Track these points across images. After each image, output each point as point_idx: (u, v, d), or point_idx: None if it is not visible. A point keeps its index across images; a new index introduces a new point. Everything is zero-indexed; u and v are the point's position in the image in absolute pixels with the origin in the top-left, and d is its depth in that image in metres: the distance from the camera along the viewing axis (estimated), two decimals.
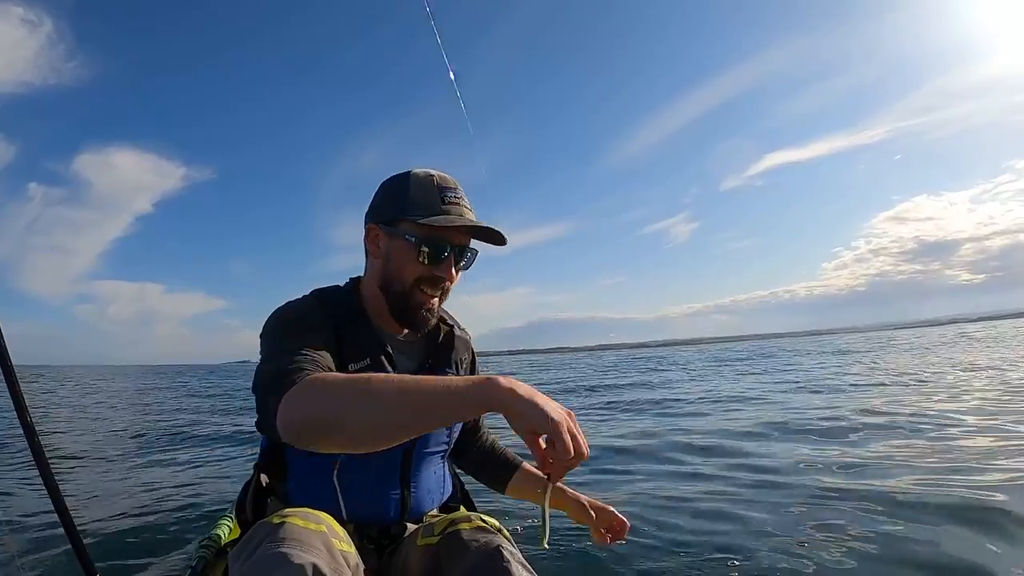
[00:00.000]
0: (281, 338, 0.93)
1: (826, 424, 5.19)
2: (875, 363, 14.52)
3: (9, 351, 1.17)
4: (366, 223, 1.08)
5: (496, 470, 1.37)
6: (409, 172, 1.05)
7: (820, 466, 3.61)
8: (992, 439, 4.08)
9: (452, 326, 1.21)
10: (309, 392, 0.77)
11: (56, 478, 1.24)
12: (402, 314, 1.07)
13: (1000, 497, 2.63)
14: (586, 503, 1.30)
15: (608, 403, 8.71)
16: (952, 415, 5.27)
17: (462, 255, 1.05)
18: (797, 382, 10.40)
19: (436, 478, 1.21)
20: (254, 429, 1.10)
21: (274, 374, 0.84)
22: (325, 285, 1.14)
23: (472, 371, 1.27)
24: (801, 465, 3.66)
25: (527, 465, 1.36)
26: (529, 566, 0.96)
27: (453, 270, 1.04)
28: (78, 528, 1.23)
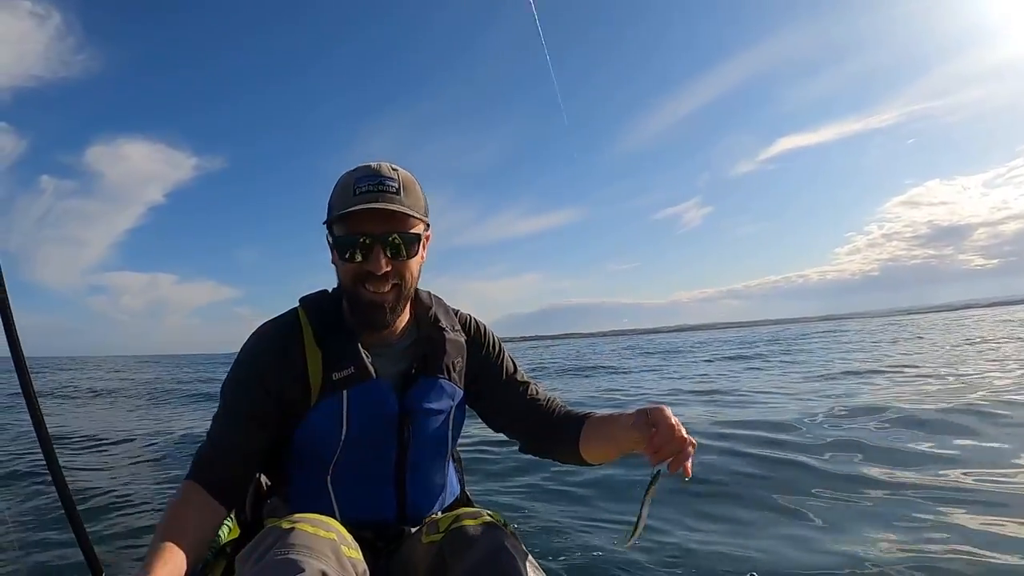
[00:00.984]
0: (225, 398, 1.05)
1: None
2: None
3: (21, 343, 1.16)
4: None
5: (561, 431, 1.16)
6: (343, 175, 1.05)
7: None
8: None
9: (445, 328, 1.16)
10: (171, 503, 0.96)
11: (64, 473, 1.24)
12: (359, 317, 1.05)
13: None
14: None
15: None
16: None
17: (386, 243, 0.99)
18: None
19: (437, 482, 1.20)
20: None
21: (197, 451, 1.03)
22: (309, 292, 1.14)
23: (474, 369, 1.21)
24: None
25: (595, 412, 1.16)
26: (536, 563, 0.94)
27: (382, 260, 0.98)
28: (85, 525, 1.23)
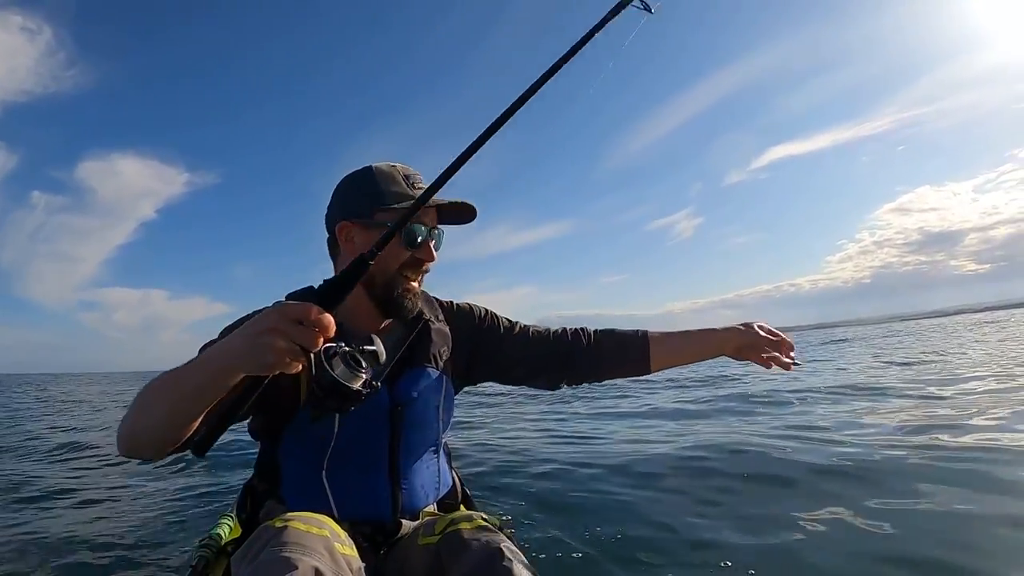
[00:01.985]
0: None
1: None
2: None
3: None
4: (335, 222, 1.08)
5: (623, 349, 1.29)
6: (371, 167, 1.08)
7: None
8: None
9: (429, 319, 1.19)
10: (127, 414, 0.83)
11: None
12: (388, 303, 1.08)
13: None
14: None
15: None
16: None
17: (437, 236, 1.10)
18: None
19: (429, 473, 1.21)
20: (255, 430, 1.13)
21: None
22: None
23: (467, 347, 1.26)
24: None
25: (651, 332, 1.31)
26: (531, 566, 0.96)
27: (432, 251, 1.08)
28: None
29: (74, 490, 3.80)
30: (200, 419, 0.81)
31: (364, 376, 0.75)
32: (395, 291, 1.07)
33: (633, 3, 0.92)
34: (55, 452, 5.78)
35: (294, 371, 0.70)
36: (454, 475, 1.36)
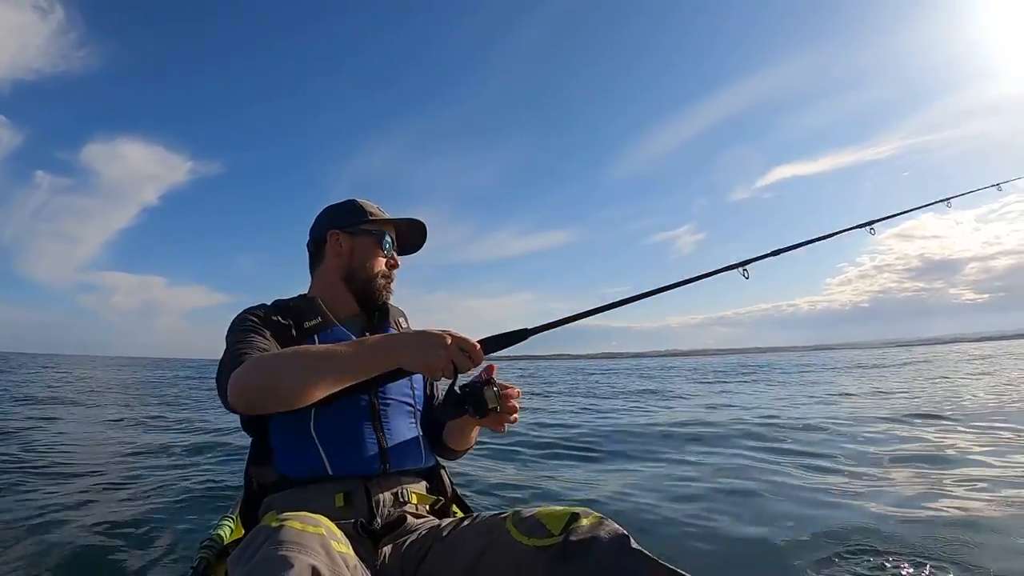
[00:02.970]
0: (236, 333, 1.17)
1: None
2: None
3: None
4: (322, 232, 1.36)
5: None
6: (354, 199, 1.41)
7: None
8: None
9: (393, 317, 1.42)
10: (251, 365, 1.03)
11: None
12: (369, 296, 1.35)
13: None
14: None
15: None
16: None
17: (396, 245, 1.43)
18: None
19: (410, 433, 1.29)
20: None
21: (228, 360, 1.09)
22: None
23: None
24: None
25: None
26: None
27: (396, 257, 1.41)
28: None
29: (74, 489, 3.74)
30: (335, 390, 1.01)
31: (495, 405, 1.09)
32: (374, 285, 1.35)
33: (740, 270, 1.35)
34: (55, 451, 5.70)
35: (437, 379, 1.00)
36: (444, 475, 1.39)
